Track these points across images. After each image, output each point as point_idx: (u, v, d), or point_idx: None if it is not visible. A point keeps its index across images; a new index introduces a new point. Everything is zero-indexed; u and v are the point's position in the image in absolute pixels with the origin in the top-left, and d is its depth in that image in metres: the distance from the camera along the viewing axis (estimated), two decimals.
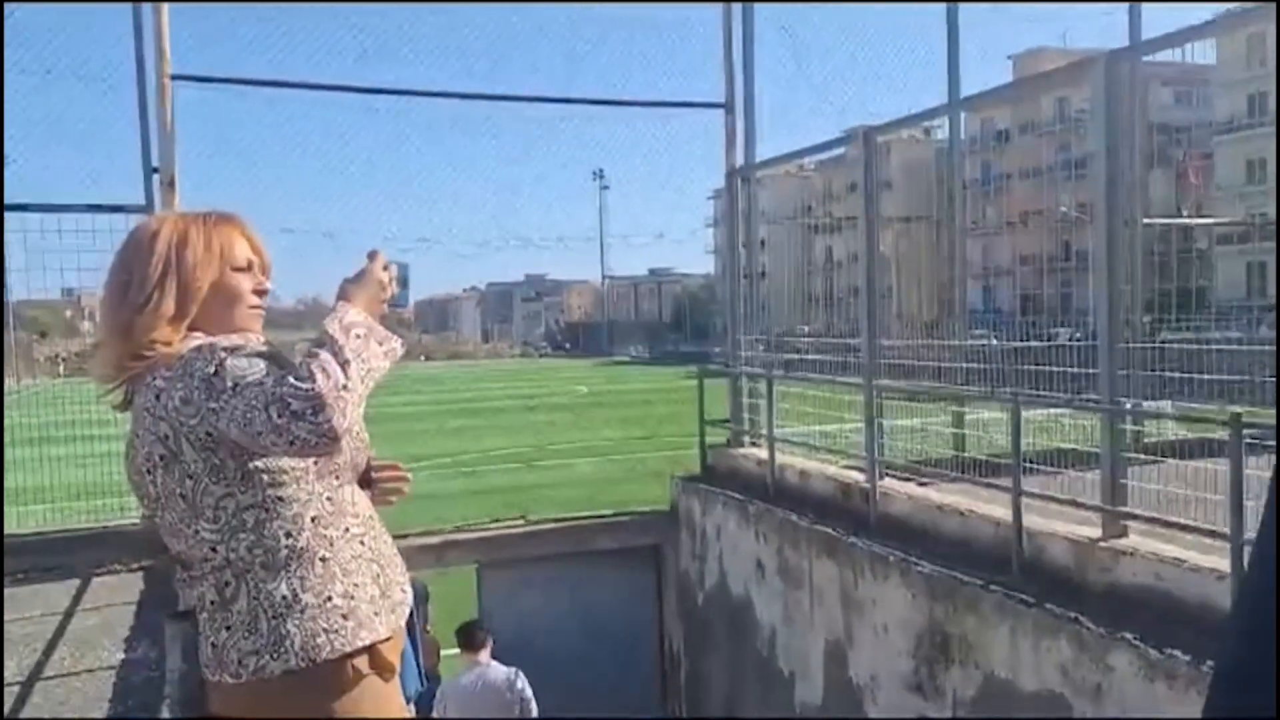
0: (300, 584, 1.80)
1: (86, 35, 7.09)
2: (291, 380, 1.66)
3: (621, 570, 8.89)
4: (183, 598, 1.87)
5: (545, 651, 8.39)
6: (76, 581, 6.32)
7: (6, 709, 4.33)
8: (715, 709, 8.16)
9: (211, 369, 1.72)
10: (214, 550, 1.79)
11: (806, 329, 8.93)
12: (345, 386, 1.69)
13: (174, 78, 6.89)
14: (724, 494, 7.97)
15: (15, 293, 7.85)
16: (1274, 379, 4.55)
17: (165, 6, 6.81)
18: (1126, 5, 7.38)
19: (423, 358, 72.48)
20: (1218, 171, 37.32)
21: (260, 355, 1.77)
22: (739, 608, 7.66)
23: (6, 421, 7.70)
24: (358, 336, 1.77)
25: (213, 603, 1.81)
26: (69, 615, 5.69)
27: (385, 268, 1.94)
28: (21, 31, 6.86)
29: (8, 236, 6.68)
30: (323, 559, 1.83)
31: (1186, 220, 13.59)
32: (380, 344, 1.81)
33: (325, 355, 1.71)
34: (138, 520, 6.98)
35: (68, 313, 22.91)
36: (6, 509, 6.97)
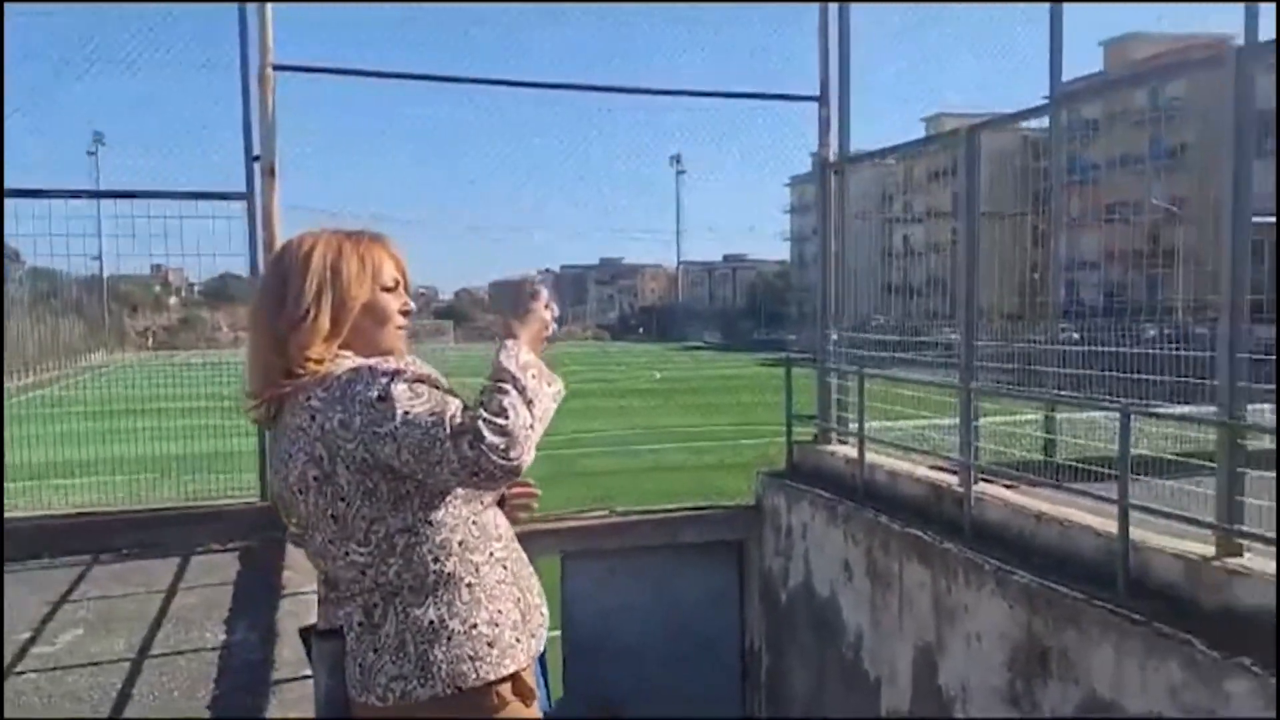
0: (447, 610, 1.81)
1: (191, 25, 7.20)
2: (485, 414, 1.68)
3: (706, 564, 8.83)
4: (326, 616, 1.89)
5: (627, 644, 8.41)
6: (176, 559, 6.48)
7: (120, 682, 4.47)
8: (796, 709, 8.10)
9: (375, 394, 1.72)
10: (363, 573, 1.80)
11: (881, 320, 8.74)
12: (531, 425, 1.72)
13: (276, 67, 7.00)
14: (811, 492, 7.87)
15: (108, 268, 8.12)
16: None
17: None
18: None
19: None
20: None
21: (421, 381, 1.77)
22: (824, 608, 7.58)
23: (102, 393, 7.98)
24: (533, 377, 1.79)
25: (360, 624, 1.82)
26: (171, 593, 5.84)
27: (546, 306, 1.95)
28: (131, 23, 7.06)
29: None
30: (468, 585, 1.84)
31: None
32: (549, 385, 1.83)
33: (514, 393, 1.73)
34: (231, 500, 7.19)
35: (156, 288, 23.76)
36: (104, 479, 7.18)
